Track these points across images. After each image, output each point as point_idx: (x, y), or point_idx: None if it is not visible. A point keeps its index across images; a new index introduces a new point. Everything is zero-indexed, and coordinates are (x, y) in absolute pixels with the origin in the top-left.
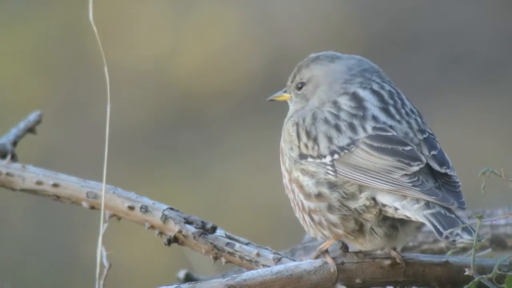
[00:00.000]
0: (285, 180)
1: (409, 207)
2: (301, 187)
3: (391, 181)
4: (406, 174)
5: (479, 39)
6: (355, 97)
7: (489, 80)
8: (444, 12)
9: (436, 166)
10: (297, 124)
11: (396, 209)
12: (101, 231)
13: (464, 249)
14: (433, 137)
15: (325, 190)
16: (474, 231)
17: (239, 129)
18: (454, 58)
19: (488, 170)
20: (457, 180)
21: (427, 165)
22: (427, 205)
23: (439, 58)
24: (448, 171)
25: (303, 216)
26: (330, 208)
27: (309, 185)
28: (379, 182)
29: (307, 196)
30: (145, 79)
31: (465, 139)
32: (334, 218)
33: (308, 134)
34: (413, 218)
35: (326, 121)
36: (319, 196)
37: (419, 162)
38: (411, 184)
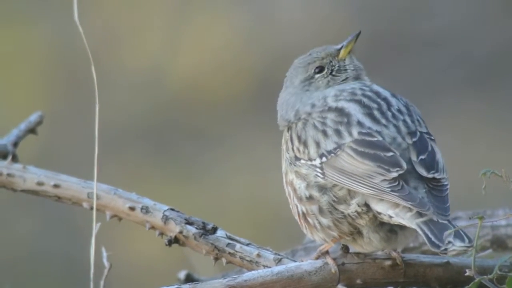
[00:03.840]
0: (284, 184)
1: (402, 215)
2: (294, 190)
3: (372, 185)
4: (385, 180)
5: (478, 40)
6: (331, 109)
7: (488, 81)
8: (443, 13)
9: (423, 172)
10: (291, 128)
11: (390, 216)
12: (94, 232)
13: (465, 250)
14: (427, 135)
15: (315, 193)
16: (467, 236)
17: (238, 130)
18: (454, 58)
19: (489, 170)
20: (445, 183)
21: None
22: (419, 213)
23: (438, 59)
24: (436, 175)
25: (300, 220)
26: (321, 211)
27: (301, 188)
28: (361, 186)
29: (300, 199)
30: (145, 80)
31: (465, 140)
32: (326, 221)
33: (299, 138)
34: (407, 226)
35: (315, 126)
36: (310, 199)
37: (398, 169)
38: (389, 189)
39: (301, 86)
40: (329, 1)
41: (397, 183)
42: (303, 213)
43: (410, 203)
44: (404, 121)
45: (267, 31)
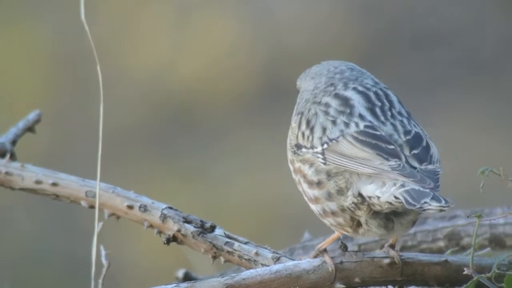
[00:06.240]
0: (293, 175)
1: (387, 191)
2: (304, 176)
3: (372, 166)
4: (383, 164)
5: (479, 39)
6: (338, 97)
7: (488, 80)
8: (444, 12)
9: (415, 164)
10: (302, 114)
11: (378, 197)
12: (96, 230)
13: (463, 248)
14: (421, 134)
15: (323, 178)
16: (444, 199)
17: (238, 129)
18: (454, 58)
19: (487, 169)
20: (438, 170)
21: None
22: (403, 185)
23: (438, 59)
24: (429, 166)
25: (312, 206)
26: (329, 195)
27: (310, 173)
28: (361, 166)
29: (310, 184)
30: (145, 78)
31: (464, 139)
32: (333, 206)
33: (308, 123)
34: (389, 199)
35: (326, 113)
36: (319, 183)
37: (397, 159)
38: (390, 168)
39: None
40: (329, 1)
41: (396, 164)
42: (315, 197)
43: (412, 179)
44: (401, 121)
45: (267, 32)
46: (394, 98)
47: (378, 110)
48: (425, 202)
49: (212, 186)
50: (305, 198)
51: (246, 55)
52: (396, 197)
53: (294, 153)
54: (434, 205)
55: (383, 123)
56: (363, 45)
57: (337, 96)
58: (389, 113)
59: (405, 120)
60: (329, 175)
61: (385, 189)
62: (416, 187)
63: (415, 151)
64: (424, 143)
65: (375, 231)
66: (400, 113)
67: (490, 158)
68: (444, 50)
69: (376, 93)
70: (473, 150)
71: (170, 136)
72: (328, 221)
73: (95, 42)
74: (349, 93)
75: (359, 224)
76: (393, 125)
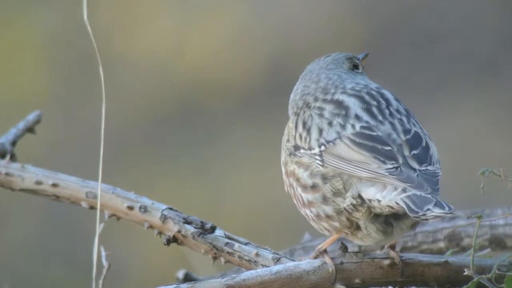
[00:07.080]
0: (283, 176)
1: (389, 196)
2: (297, 179)
3: (370, 170)
4: (380, 168)
5: (478, 38)
6: (332, 101)
7: (488, 80)
8: (444, 12)
9: (415, 165)
10: (298, 115)
11: (379, 200)
12: (98, 231)
13: (463, 249)
14: (421, 133)
15: (318, 181)
16: (448, 205)
17: (240, 126)
18: (454, 57)
19: (488, 170)
20: (437, 171)
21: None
22: (404, 190)
23: (439, 57)
24: (429, 168)
25: (305, 211)
26: (324, 199)
27: (304, 177)
28: (359, 170)
29: (304, 188)
30: (147, 74)
31: (464, 139)
32: (329, 209)
33: (304, 124)
34: (391, 204)
35: (321, 115)
36: (314, 187)
37: (394, 162)
38: (387, 173)
39: (350, 71)
40: None
41: (394, 168)
42: (308, 202)
43: (409, 184)
44: (400, 119)
45: (272, 27)
46: (389, 96)
47: (375, 110)
48: (428, 209)
49: (213, 184)
50: (295, 202)
51: (250, 51)
52: (397, 203)
53: (291, 154)
54: (437, 211)
55: (381, 122)
56: (365, 42)
57: (331, 101)
58: (387, 111)
59: (404, 118)
60: (324, 178)
61: (386, 193)
62: (418, 193)
63: (414, 152)
64: (423, 143)
65: (374, 236)
66: (398, 111)
67: (490, 158)
68: (444, 49)
69: (368, 94)
70: (473, 150)
71: (172, 133)
72: (322, 225)
73: (96, 37)
74: (342, 97)
75: (358, 228)
76: (392, 124)
